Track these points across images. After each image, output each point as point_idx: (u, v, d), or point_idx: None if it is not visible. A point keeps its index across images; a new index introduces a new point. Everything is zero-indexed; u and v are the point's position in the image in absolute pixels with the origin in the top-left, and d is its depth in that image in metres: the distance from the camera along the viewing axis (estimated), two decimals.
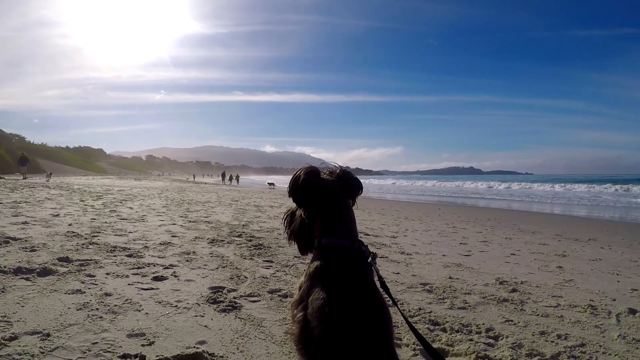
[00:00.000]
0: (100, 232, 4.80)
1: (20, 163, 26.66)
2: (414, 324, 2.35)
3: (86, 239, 4.32)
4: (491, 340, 2.24)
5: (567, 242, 6.56)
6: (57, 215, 6.22)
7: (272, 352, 1.91)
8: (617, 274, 4.26)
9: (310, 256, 1.37)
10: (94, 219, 6.10)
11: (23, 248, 3.64)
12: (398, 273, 3.74)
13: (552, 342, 2.31)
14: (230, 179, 45.98)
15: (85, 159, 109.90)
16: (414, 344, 2.08)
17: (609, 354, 2.22)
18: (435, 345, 2.09)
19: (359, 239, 1.32)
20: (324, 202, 1.33)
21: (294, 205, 1.45)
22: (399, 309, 1.32)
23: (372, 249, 4.73)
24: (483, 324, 2.46)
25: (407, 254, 4.74)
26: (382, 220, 8.70)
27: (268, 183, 46.23)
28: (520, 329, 2.48)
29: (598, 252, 5.60)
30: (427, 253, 4.94)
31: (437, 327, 2.40)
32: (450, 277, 3.70)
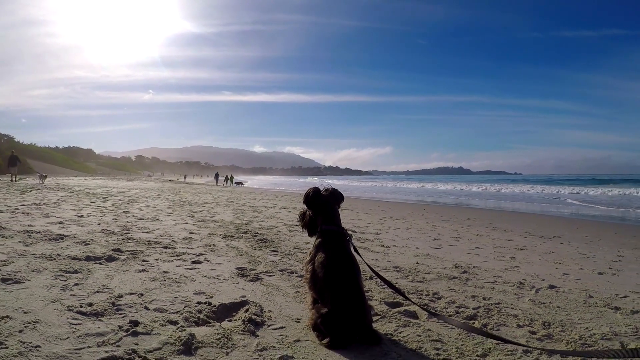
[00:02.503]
0: (129, 230, 5.70)
1: (10, 163, 23.73)
2: (381, 289, 3.37)
3: (121, 235, 5.21)
4: (434, 299, 3.27)
5: (532, 238, 7.32)
6: (82, 216, 7.04)
7: (289, 301, 2.93)
8: (560, 264, 4.96)
9: (313, 238, 2.41)
10: (115, 218, 6.96)
11: (77, 243, 4.50)
12: (376, 260, 4.76)
13: (477, 301, 3.28)
14: (226, 180, 46.16)
15: (75, 159, 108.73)
16: (381, 299, 3.10)
17: (514, 308, 3.11)
18: (393, 300, 3.10)
19: (342, 226, 2.35)
20: (322, 207, 2.38)
21: (303, 207, 2.47)
22: (365, 262, 2.34)
23: (356, 242, 5.75)
24: (431, 290, 3.48)
25: (386, 247, 5.77)
26: (368, 220, 9.71)
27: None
28: (458, 294, 3.48)
29: (555, 247, 6.38)
30: (403, 246, 5.95)
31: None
32: (417, 263, 4.71)
